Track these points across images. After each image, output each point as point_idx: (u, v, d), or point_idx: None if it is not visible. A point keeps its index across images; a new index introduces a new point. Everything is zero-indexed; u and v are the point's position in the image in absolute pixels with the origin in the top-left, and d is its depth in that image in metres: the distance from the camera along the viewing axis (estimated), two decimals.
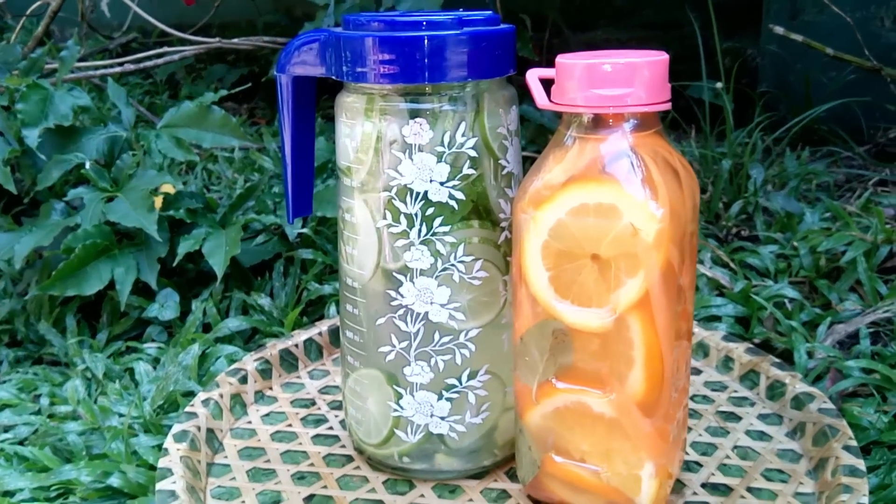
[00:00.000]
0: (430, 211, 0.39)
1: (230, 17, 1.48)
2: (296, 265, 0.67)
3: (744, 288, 0.60)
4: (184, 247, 0.63)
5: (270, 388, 0.55)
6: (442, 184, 0.39)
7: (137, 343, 0.62)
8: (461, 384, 0.42)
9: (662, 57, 0.34)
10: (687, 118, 0.98)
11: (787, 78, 1.07)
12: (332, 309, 0.62)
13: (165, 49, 0.91)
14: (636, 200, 0.34)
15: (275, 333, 0.62)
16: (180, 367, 0.52)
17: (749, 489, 0.42)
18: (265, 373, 0.55)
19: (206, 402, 0.49)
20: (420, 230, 0.39)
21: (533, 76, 0.38)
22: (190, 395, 0.52)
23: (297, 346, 0.57)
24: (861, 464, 0.40)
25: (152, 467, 0.46)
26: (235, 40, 0.88)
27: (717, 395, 0.52)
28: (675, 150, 0.37)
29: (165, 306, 0.62)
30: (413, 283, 0.40)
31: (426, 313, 0.40)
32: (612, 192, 0.35)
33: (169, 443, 0.45)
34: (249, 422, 0.51)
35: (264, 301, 0.63)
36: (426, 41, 0.37)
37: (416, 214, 0.39)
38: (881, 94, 0.95)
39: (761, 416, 0.49)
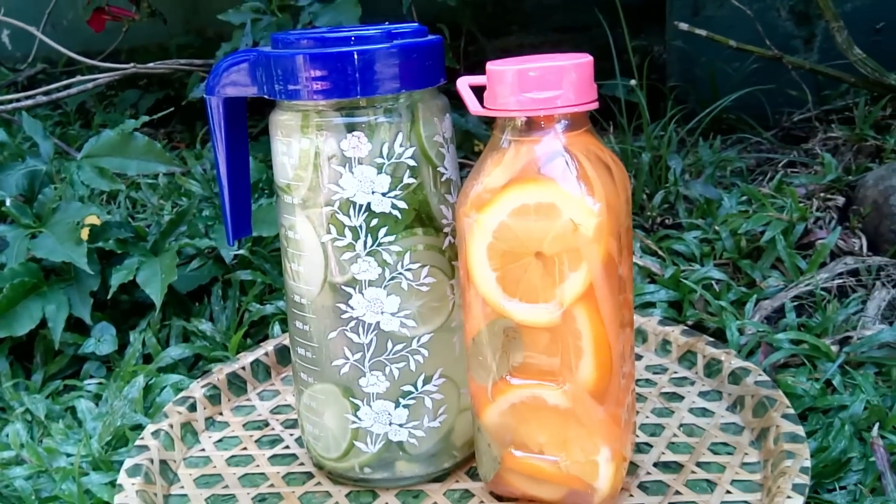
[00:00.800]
0: (374, 222, 0.39)
1: (139, 41, 1.45)
2: (234, 287, 0.66)
3: (673, 273, 0.63)
4: (117, 278, 0.61)
5: (220, 414, 0.54)
6: (384, 194, 0.39)
7: (76, 381, 0.60)
8: (417, 390, 0.42)
9: (587, 59, 0.36)
10: (604, 116, 1.02)
11: (694, 71, 1.11)
12: (277, 328, 0.62)
13: (78, 78, 0.88)
14: (573, 197, 0.35)
15: (219, 358, 0.61)
16: (126, 400, 0.51)
17: (698, 464, 0.44)
18: (214, 398, 0.54)
19: (156, 434, 0.48)
20: (366, 242, 0.40)
21: (463, 84, 0.39)
22: (138, 428, 0.51)
23: (244, 368, 0.57)
24: (800, 430, 0.43)
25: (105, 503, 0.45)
26: (151, 64, 0.86)
27: (659, 378, 0.54)
28: (605, 147, 0.38)
29: (102, 340, 0.61)
30: (363, 294, 0.40)
31: (377, 323, 0.41)
32: (550, 191, 0.36)
33: (122, 478, 0.44)
34: (203, 449, 0.50)
35: (205, 326, 0.62)
36: (357, 56, 0.38)
37: (360, 226, 0.39)
38: (783, 81, 1.00)
39: (702, 394, 0.51)
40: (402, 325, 0.41)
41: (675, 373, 0.54)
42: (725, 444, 0.46)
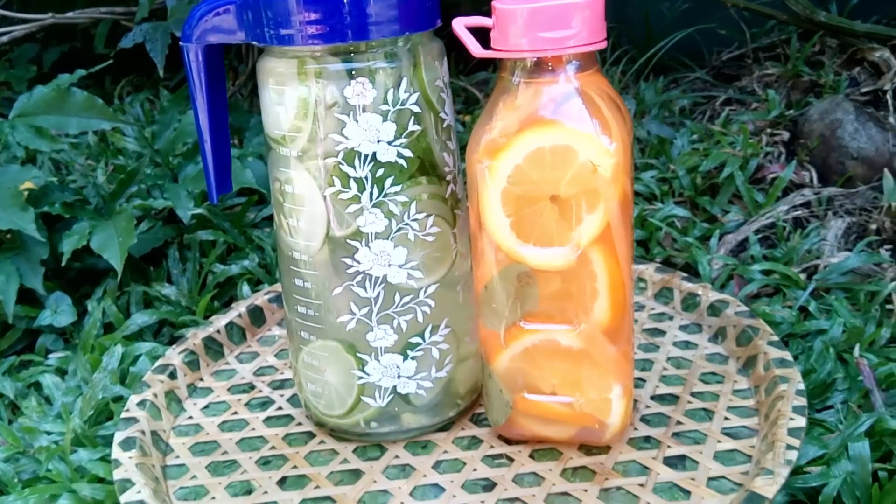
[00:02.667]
0: (380, 172, 0.38)
1: None
2: (193, 249, 0.64)
3: (638, 213, 0.64)
4: (69, 244, 0.57)
5: (201, 380, 0.52)
6: (389, 143, 0.38)
7: (32, 356, 0.56)
8: (425, 341, 0.42)
9: None
10: None
11: (627, 12, 1.12)
12: (245, 288, 0.60)
13: None
14: (591, 138, 0.35)
15: (186, 323, 0.59)
16: (105, 372, 0.48)
17: (692, 394, 0.46)
18: (192, 364, 0.52)
19: (141, 405, 0.46)
20: (372, 193, 0.38)
21: (460, 25, 0.38)
22: (119, 400, 0.49)
23: (219, 331, 0.55)
24: (788, 355, 0.45)
25: (101, 480, 0.43)
26: (70, 14, 0.80)
27: (639, 315, 0.55)
28: (611, 87, 0.38)
29: (59, 311, 0.57)
30: (369, 247, 0.39)
31: (384, 276, 0.40)
32: (566, 133, 0.36)
33: (117, 452, 0.42)
34: (190, 417, 0.48)
35: (168, 291, 0.60)
36: None
37: (366, 177, 0.38)
38: (713, 20, 1.03)
39: (682, 328, 0.53)
40: (409, 276, 0.40)
41: (653, 309, 0.56)
42: (714, 373, 0.48)
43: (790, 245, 0.57)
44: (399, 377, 0.42)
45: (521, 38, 0.35)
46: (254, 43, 0.39)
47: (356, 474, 0.42)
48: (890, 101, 0.69)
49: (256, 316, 0.57)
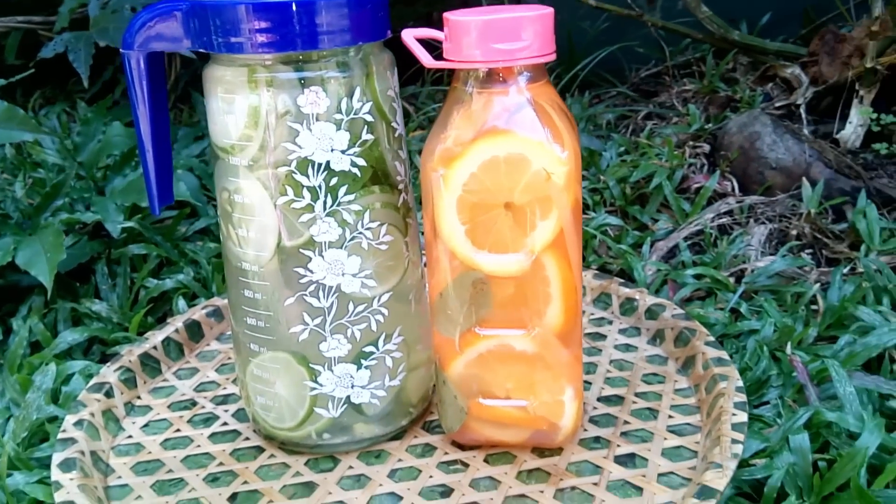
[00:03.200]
0: (333, 181, 0.38)
1: None
2: (123, 264, 0.61)
3: None
4: None
5: (139, 398, 0.50)
6: (343, 152, 0.38)
7: None
8: (378, 350, 0.42)
9: (549, 10, 0.36)
10: None
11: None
12: (181, 303, 0.58)
13: None
14: (544, 147, 0.36)
15: (118, 340, 0.57)
16: (40, 392, 0.46)
17: (636, 394, 0.47)
18: (129, 382, 0.50)
19: (78, 424, 0.44)
20: (325, 202, 0.38)
21: (409, 36, 0.38)
22: (54, 421, 0.47)
23: (155, 348, 0.53)
24: (724, 354, 0.47)
25: (38, 503, 0.41)
26: None
27: None
28: (559, 97, 0.39)
29: None
30: (322, 256, 0.39)
31: (338, 285, 0.40)
32: (520, 142, 0.36)
33: (57, 474, 0.40)
34: (130, 436, 0.46)
35: (99, 307, 0.57)
36: (310, 5, 0.36)
37: (319, 186, 0.38)
38: (631, 39, 1.07)
39: (622, 331, 0.55)
40: (362, 285, 0.40)
41: (593, 314, 0.57)
42: (655, 374, 0.50)
43: (718, 251, 0.60)
44: (353, 387, 0.42)
45: (475, 49, 0.36)
46: (200, 51, 0.38)
47: (310, 487, 0.41)
48: (803, 115, 0.73)
49: (194, 331, 0.56)
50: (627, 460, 0.42)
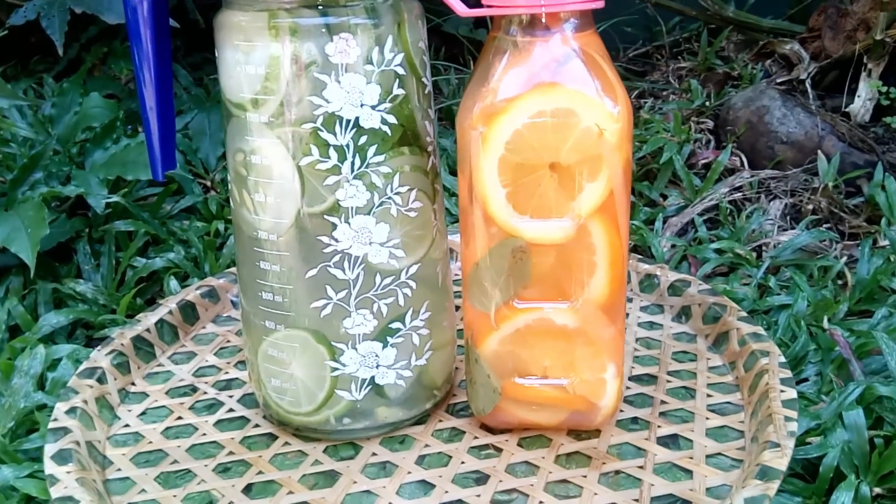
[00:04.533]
0: (362, 140, 0.35)
1: None
2: (108, 242, 0.57)
3: None
4: None
5: (133, 384, 0.46)
6: (373, 107, 0.35)
7: None
8: (406, 326, 0.38)
9: None
10: (451, 59, 1.00)
11: None
12: (173, 283, 0.54)
13: None
14: (595, 102, 0.33)
15: (105, 323, 0.53)
16: (27, 377, 0.42)
17: (669, 373, 0.45)
18: (122, 367, 0.46)
19: (71, 412, 0.40)
20: (353, 163, 0.35)
21: None
22: (42, 409, 0.42)
23: (148, 330, 0.49)
24: (760, 329, 0.45)
25: (31, 500, 0.37)
26: None
27: None
28: (604, 49, 0.36)
29: None
30: (349, 223, 0.36)
31: (365, 255, 0.36)
32: (568, 95, 0.33)
33: (51, 467, 0.36)
34: (127, 425, 0.43)
35: (83, 288, 0.53)
36: None
37: (347, 146, 0.35)
38: (620, 17, 1.05)
39: (643, 308, 0.52)
40: (390, 255, 0.37)
41: None
42: (685, 351, 0.47)
43: (738, 225, 0.58)
44: (378, 367, 0.38)
45: None
46: None
47: (331, 476, 0.38)
48: (809, 89, 0.72)
49: (188, 313, 0.52)
50: (670, 441, 0.39)
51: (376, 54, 0.34)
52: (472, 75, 0.36)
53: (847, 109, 0.69)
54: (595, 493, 0.36)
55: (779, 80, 0.76)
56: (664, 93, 0.89)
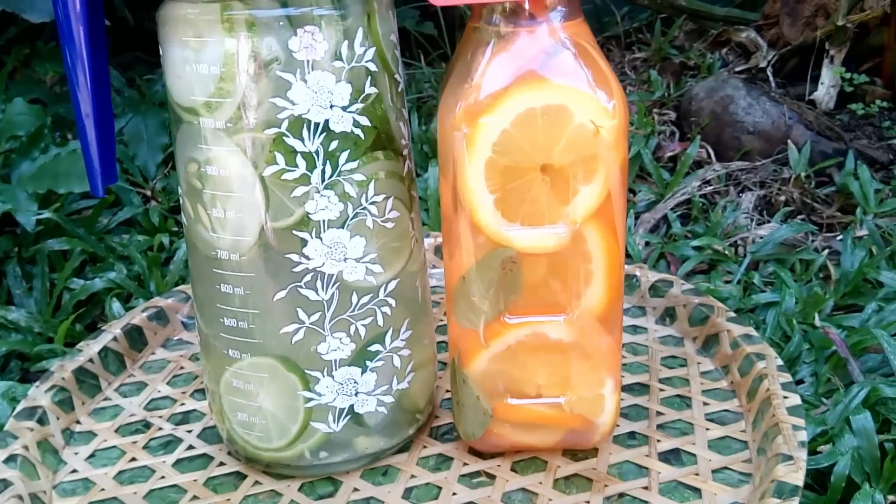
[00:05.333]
0: (333, 145, 0.31)
1: None
2: (39, 262, 0.52)
3: None
4: None
5: (79, 422, 0.42)
6: (344, 109, 0.31)
7: None
8: (386, 348, 0.35)
9: None
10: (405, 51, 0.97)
11: None
12: (116, 305, 0.49)
13: None
14: (589, 96, 0.30)
15: (42, 354, 0.48)
16: None
17: (661, 380, 0.43)
18: (64, 403, 0.41)
19: (10, 461, 0.36)
20: (324, 171, 0.31)
21: None
22: None
23: (91, 360, 0.44)
24: (752, 331, 0.43)
25: None
26: None
27: None
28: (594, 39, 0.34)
29: None
30: (321, 238, 0.32)
31: (340, 273, 0.33)
32: (560, 90, 0.30)
33: None
34: (74, 470, 0.38)
35: (16, 315, 0.48)
36: None
37: (316, 152, 0.31)
38: None
39: (625, 311, 0.50)
40: (367, 271, 0.33)
41: None
42: (673, 356, 0.45)
43: (713, 220, 0.56)
44: (357, 394, 0.35)
45: None
46: None
47: None
48: (771, 78, 0.70)
49: (134, 338, 0.47)
50: (672, 457, 0.37)
51: (345, 49, 0.30)
52: (452, 70, 0.32)
53: (812, 97, 0.68)
54: None
55: (737, 69, 0.75)
56: (622, 84, 0.87)
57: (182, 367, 0.47)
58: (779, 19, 0.74)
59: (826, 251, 0.51)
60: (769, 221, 0.56)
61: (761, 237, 0.53)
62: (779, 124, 0.63)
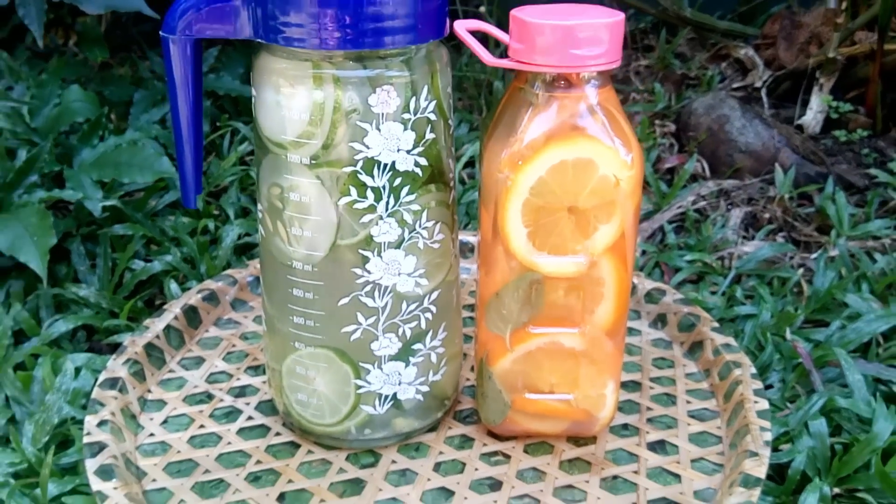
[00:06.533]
0: (397, 182, 0.37)
1: None
2: (102, 243, 0.58)
3: None
4: None
5: (150, 391, 0.48)
6: (408, 152, 0.37)
7: None
8: (426, 347, 0.42)
9: (621, 16, 0.37)
10: None
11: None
12: (174, 287, 0.56)
13: None
14: (612, 152, 0.37)
15: (110, 329, 0.54)
16: (59, 393, 0.43)
17: (651, 379, 0.50)
18: (138, 375, 0.48)
19: (102, 426, 0.42)
20: (388, 202, 0.38)
21: (463, 29, 0.38)
22: (66, 423, 0.44)
23: (158, 337, 0.51)
24: (732, 340, 0.50)
25: None
26: None
27: None
28: (618, 100, 0.40)
29: None
30: (381, 257, 0.38)
31: (394, 285, 0.39)
32: (589, 147, 0.37)
33: (97, 483, 0.38)
34: (152, 434, 0.45)
35: (87, 292, 0.54)
36: (385, 2, 0.34)
37: (383, 187, 0.37)
38: None
39: None
40: (416, 284, 0.40)
41: None
42: (663, 358, 0.52)
43: (703, 235, 0.62)
44: (400, 384, 0.42)
45: (551, 53, 0.35)
46: (257, 40, 0.36)
47: (358, 484, 0.41)
48: (764, 98, 0.77)
49: (191, 317, 0.54)
50: (658, 447, 0.44)
51: (413, 103, 0.37)
52: (498, 120, 0.38)
53: (800, 122, 0.74)
54: (598, 498, 0.40)
55: (734, 86, 0.81)
56: (627, 91, 0.93)
57: (234, 346, 0.53)
58: (776, 41, 0.80)
59: (801, 270, 0.58)
60: (754, 237, 0.63)
61: (746, 253, 0.60)
62: (768, 146, 0.69)
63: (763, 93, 0.78)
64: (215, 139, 0.77)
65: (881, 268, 0.56)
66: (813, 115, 0.73)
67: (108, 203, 0.57)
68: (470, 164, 0.75)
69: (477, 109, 0.84)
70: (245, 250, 0.64)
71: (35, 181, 0.56)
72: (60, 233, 0.59)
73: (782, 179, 0.66)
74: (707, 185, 0.67)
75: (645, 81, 0.93)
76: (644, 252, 0.62)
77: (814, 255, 0.59)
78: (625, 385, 0.49)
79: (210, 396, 0.48)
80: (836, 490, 0.41)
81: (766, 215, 0.65)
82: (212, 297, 0.55)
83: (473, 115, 0.84)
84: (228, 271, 0.58)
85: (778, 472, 0.43)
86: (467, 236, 0.63)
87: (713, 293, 0.57)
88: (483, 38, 0.38)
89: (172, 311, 0.53)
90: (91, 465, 0.39)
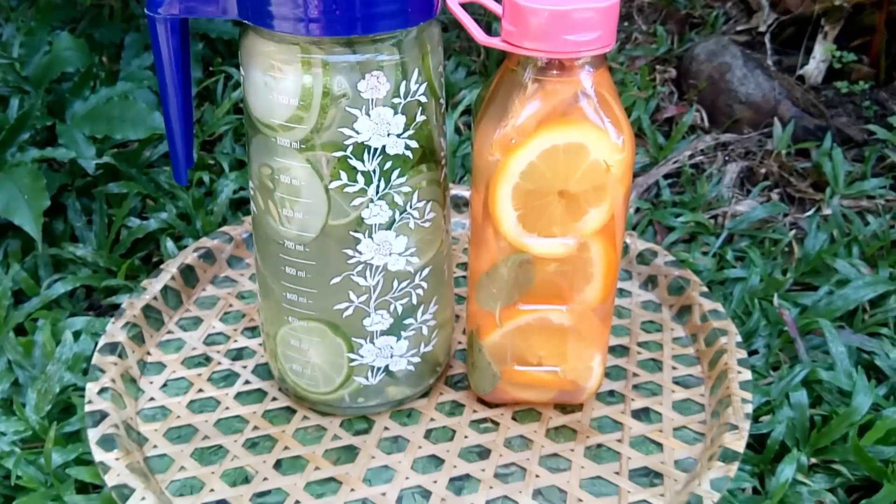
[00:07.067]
0: (387, 165, 0.37)
1: None
2: (98, 200, 0.58)
3: None
4: None
5: (149, 353, 0.49)
6: (398, 136, 0.37)
7: None
8: (417, 321, 0.42)
9: (616, 1, 0.36)
10: None
11: None
12: (170, 245, 0.56)
13: None
14: (603, 137, 0.37)
15: (108, 288, 0.55)
16: (60, 363, 0.45)
17: (639, 344, 0.51)
18: (137, 338, 0.49)
19: (103, 393, 0.44)
20: (378, 186, 0.38)
21: (456, 5, 0.37)
22: (67, 389, 0.45)
23: (155, 298, 0.51)
24: (719, 307, 0.51)
25: (84, 486, 0.40)
26: None
27: None
28: (612, 81, 0.39)
29: None
30: (372, 238, 0.39)
31: (385, 264, 0.40)
32: (580, 131, 0.36)
33: (100, 454, 0.40)
34: (152, 398, 0.46)
35: (84, 252, 0.55)
36: None
37: (374, 171, 0.37)
38: None
39: None
40: (407, 263, 0.40)
41: None
42: (652, 321, 0.53)
43: (698, 192, 0.62)
44: (392, 356, 0.43)
45: (545, 38, 0.35)
46: (244, 22, 0.35)
47: (351, 450, 0.43)
48: (768, 44, 0.75)
49: (188, 276, 0.54)
50: (642, 414, 0.45)
51: (403, 87, 0.36)
52: (490, 100, 0.38)
53: (801, 72, 0.73)
54: (582, 467, 0.42)
55: (739, 29, 0.79)
56: (630, 30, 0.91)
57: (231, 305, 0.54)
58: None
59: (793, 231, 0.58)
60: (749, 193, 0.63)
61: (740, 213, 0.60)
62: (769, 98, 0.68)
63: (767, 38, 0.76)
64: (209, 84, 0.75)
65: (873, 230, 0.56)
66: (815, 65, 0.72)
67: (101, 161, 0.57)
68: (467, 111, 0.74)
69: (475, 51, 0.82)
70: (240, 205, 0.64)
71: (26, 139, 0.55)
72: (55, 188, 0.59)
73: (780, 135, 0.66)
74: (704, 139, 0.67)
75: (648, 19, 0.90)
76: (638, 209, 0.63)
77: (807, 214, 0.59)
78: (613, 349, 0.50)
79: (208, 359, 0.49)
80: (813, 460, 0.42)
81: (763, 170, 0.65)
82: (208, 256, 0.56)
83: (471, 56, 0.82)
84: (224, 228, 0.58)
85: (758, 441, 0.44)
86: (462, 191, 0.63)
87: (704, 254, 0.57)
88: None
89: (169, 271, 0.53)
90: (93, 434, 0.41)
